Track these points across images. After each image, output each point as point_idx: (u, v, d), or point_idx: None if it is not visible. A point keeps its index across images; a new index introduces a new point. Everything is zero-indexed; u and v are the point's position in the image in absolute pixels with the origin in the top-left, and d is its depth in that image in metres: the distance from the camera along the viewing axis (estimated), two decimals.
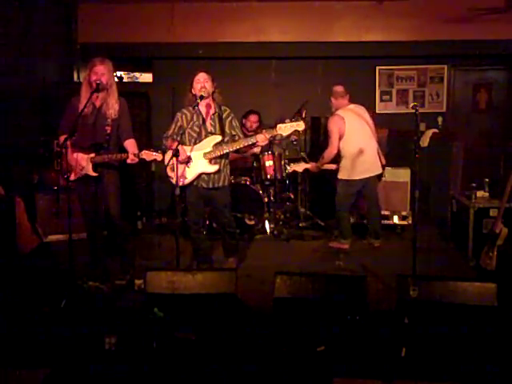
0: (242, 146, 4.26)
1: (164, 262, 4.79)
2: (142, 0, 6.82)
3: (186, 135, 4.32)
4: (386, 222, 5.90)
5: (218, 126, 4.33)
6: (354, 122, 5.17)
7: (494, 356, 2.81)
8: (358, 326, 2.98)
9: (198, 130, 4.32)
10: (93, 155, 4.11)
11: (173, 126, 4.39)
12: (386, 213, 5.93)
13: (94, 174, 4.14)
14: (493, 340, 2.85)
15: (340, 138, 5.15)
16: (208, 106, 4.34)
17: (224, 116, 4.37)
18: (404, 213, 5.97)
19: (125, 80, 7.27)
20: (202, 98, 4.18)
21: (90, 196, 4.22)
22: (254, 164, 6.04)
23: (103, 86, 4.08)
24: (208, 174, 4.33)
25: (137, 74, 7.59)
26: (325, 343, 2.95)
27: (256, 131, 5.76)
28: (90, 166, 4.12)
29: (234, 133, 4.39)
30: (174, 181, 4.00)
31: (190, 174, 4.30)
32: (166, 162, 4.18)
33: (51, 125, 4.55)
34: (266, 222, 5.92)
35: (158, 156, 4.02)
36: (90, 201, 4.23)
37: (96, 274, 4.27)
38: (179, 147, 4.08)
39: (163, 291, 3.16)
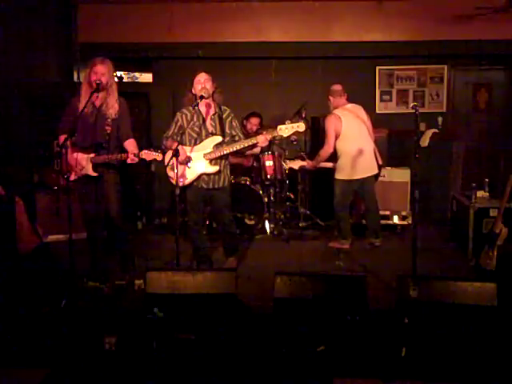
0: (242, 146, 4.26)
1: (164, 262, 4.80)
2: (142, 0, 6.83)
3: (186, 135, 4.32)
4: (385, 221, 5.91)
5: (218, 126, 4.33)
6: (351, 121, 5.17)
7: (494, 356, 2.81)
8: (358, 325, 2.98)
9: (198, 130, 4.32)
10: (93, 155, 4.11)
11: (173, 126, 4.39)
12: (386, 213, 5.93)
13: (94, 174, 4.14)
14: (493, 340, 2.85)
15: (336, 138, 5.16)
16: (208, 106, 4.34)
17: (224, 116, 4.37)
18: (404, 213, 5.97)
19: (125, 80, 7.27)
20: (202, 98, 4.18)
21: (89, 196, 4.22)
22: (254, 164, 6.04)
23: (103, 86, 4.08)
24: (208, 175, 4.33)
25: (137, 74, 7.59)
26: (325, 343, 2.95)
27: (256, 132, 5.77)
28: (90, 166, 4.12)
29: (234, 133, 4.39)
30: (174, 181, 4.00)
31: (191, 174, 4.30)
32: (166, 162, 4.18)
33: (51, 125, 4.54)
34: (266, 221, 5.92)
35: (158, 156, 4.02)
36: (89, 201, 4.23)
37: (96, 274, 4.27)
38: (179, 147, 4.09)
39: (163, 291, 3.16)
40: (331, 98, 5.30)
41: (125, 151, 4.15)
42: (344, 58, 7.05)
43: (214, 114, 4.35)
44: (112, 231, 4.44)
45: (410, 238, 4.02)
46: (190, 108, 4.30)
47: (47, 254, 4.98)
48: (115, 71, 4.30)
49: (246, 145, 4.26)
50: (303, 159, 5.54)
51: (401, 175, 6.00)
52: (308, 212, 6.22)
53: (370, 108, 6.42)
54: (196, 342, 3.02)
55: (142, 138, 5.96)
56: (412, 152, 3.86)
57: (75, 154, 4.14)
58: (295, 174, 6.34)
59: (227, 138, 4.35)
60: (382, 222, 5.70)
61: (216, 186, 4.36)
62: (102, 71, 4.08)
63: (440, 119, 7.11)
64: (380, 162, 5.33)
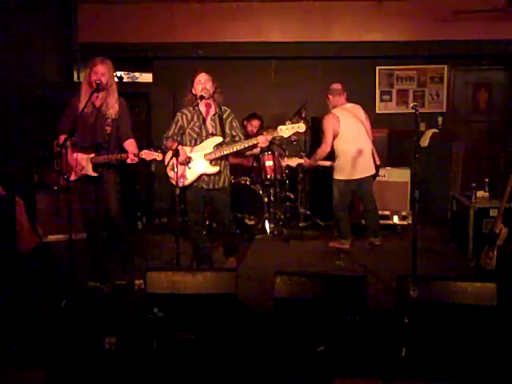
0: (242, 147, 4.26)
1: (164, 262, 4.80)
2: (142, 0, 6.83)
3: (187, 136, 4.32)
4: (386, 221, 5.91)
5: (218, 126, 4.33)
6: (349, 121, 5.17)
7: (494, 356, 2.81)
8: (358, 325, 2.98)
9: (198, 130, 4.32)
10: (93, 155, 4.11)
11: (173, 127, 4.38)
12: (386, 213, 5.94)
13: (94, 174, 4.13)
14: (493, 340, 2.85)
15: (334, 137, 5.17)
16: (208, 106, 4.34)
17: (224, 117, 4.37)
18: (404, 213, 5.97)
19: (125, 80, 7.27)
20: (202, 98, 4.18)
21: (89, 196, 4.21)
22: (254, 164, 6.04)
23: (103, 86, 4.07)
24: (209, 175, 4.33)
25: (137, 74, 7.59)
26: (325, 343, 2.95)
27: (257, 133, 5.77)
28: (90, 166, 4.12)
29: (234, 133, 4.39)
30: (174, 181, 4.00)
31: (191, 174, 4.30)
32: (166, 162, 4.18)
33: (51, 125, 4.54)
34: (266, 221, 5.92)
35: (158, 156, 4.02)
36: (89, 201, 4.22)
37: (96, 274, 4.27)
38: (179, 148, 4.09)
39: (163, 291, 3.16)
40: (330, 96, 5.30)
41: (125, 151, 4.15)
42: (344, 58, 7.05)
43: (214, 115, 4.34)
44: (112, 231, 4.43)
45: (409, 238, 4.02)
46: (191, 108, 4.30)
47: (47, 254, 4.98)
48: (115, 71, 4.29)
49: (247, 145, 4.26)
50: (301, 157, 5.55)
51: (401, 175, 6.00)
52: (308, 212, 6.22)
53: (370, 108, 6.43)
54: (196, 342, 3.02)
55: (141, 138, 5.96)
56: (412, 152, 3.86)
57: (75, 154, 4.13)
58: (295, 174, 6.34)
59: (227, 139, 4.35)
60: (382, 222, 5.70)
61: (216, 187, 4.36)
62: (102, 71, 4.07)
63: (440, 119, 7.11)
64: (378, 162, 5.33)
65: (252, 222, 5.80)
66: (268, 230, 5.91)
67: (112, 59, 4.22)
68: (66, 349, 3.09)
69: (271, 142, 5.35)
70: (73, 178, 4.14)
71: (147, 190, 6.79)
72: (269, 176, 5.86)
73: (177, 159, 3.96)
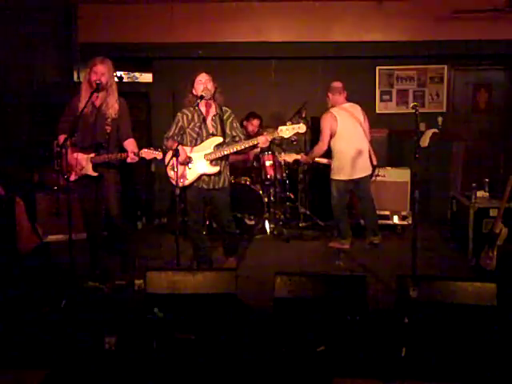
0: (242, 147, 4.26)
1: (164, 262, 4.80)
2: (142, 0, 6.82)
3: (187, 136, 4.33)
4: (386, 221, 5.92)
5: (219, 127, 4.33)
6: (347, 121, 5.18)
7: (494, 356, 2.81)
8: (358, 325, 2.98)
9: (198, 130, 4.32)
10: (93, 155, 4.11)
11: (173, 127, 4.38)
12: (386, 213, 5.94)
13: (94, 174, 4.14)
14: (493, 340, 2.85)
15: (332, 137, 5.18)
16: (208, 106, 4.34)
17: (225, 117, 4.37)
18: (404, 213, 5.97)
19: (125, 80, 7.27)
20: (201, 97, 4.18)
21: (89, 196, 4.22)
22: (254, 164, 6.04)
23: (103, 86, 4.07)
24: (209, 175, 4.33)
25: (137, 74, 7.58)
26: (325, 343, 2.95)
27: (258, 132, 5.78)
28: (90, 165, 4.12)
29: (234, 134, 4.39)
30: (174, 181, 4.00)
31: (191, 175, 4.30)
32: (166, 162, 4.19)
33: (51, 125, 4.55)
34: (266, 221, 5.92)
35: (158, 154, 4.02)
36: (90, 201, 4.23)
37: (96, 274, 4.27)
38: (179, 148, 4.09)
39: (163, 291, 3.16)
40: (330, 94, 5.31)
41: (125, 151, 4.15)
42: (344, 58, 7.05)
43: (215, 115, 4.34)
44: (112, 231, 4.44)
45: (409, 238, 4.02)
46: (191, 108, 4.30)
47: (47, 254, 4.98)
48: (115, 71, 4.30)
49: (247, 145, 4.26)
50: (298, 153, 5.55)
51: (401, 175, 6.00)
52: (308, 212, 6.22)
53: (370, 108, 6.44)
54: (196, 342, 3.02)
55: (142, 138, 5.95)
56: (412, 152, 3.86)
57: (75, 154, 4.14)
58: (295, 174, 6.34)
59: (228, 139, 4.35)
60: (382, 222, 5.71)
61: (216, 187, 4.37)
62: (102, 71, 4.08)
63: (440, 119, 7.11)
64: (374, 163, 5.34)
65: (252, 222, 5.80)
66: (268, 230, 5.91)
67: (112, 59, 4.22)
68: (66, 349, 3.09)
69: (271, 142, 5.36)
70: (73, 177, 4.14)
71: (147, 190, 6.79)
72: (269, 176, 5.86)
73: (177, 159, 3.96)
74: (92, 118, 4.13)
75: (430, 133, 6.67)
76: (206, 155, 4.27)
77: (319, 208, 6.30)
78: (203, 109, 4.33)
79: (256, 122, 6.14)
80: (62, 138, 4.05)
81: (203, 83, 4.22)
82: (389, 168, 6.05)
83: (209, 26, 6.88)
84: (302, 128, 4.20)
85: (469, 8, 6.50)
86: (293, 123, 4.24)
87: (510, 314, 3.09)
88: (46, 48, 6.35)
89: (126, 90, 5.44)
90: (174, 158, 3.95)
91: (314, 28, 6.88)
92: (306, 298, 3.08)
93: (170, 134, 4.38)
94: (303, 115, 5.94)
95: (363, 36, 6.85)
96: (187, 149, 4.28)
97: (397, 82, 7.23)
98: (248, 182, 5.82)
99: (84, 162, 4.13)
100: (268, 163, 5.86)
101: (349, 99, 5.34)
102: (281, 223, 6.03)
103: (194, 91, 4.28)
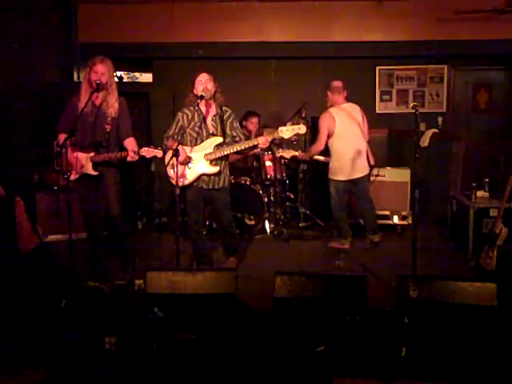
0: (243, 147, 4.26)
1: (164, 262, 4.80)
2: (142, 0, 6.82)
3: (187, 135, 4.33)
4: (386, 221, 5.92)
5: (219, 126, 4.33)
6: (345, 121, 5.18)
7: (494, 356, 2.81)
8: (358, 325, 2.98)
9: (198, 130, 4.32)
10: (92, 154, 4.11)
11: (174, 126, 4.38)
12: (386, 213, 5.94)
13: (94, 173, 4.13)
14: (493, 340, 2.85)
15: (329, 136, 5.19)
16: (208, 106, 4.34)
17: (225, 117, 4.37)
18: (404, 213, 5.98)
19: (125, 80, 7.27)
20: (201, 97, 4.18)
21: (90, 196, 4.22)
22: (254, 164, 6.04)
23: (103, 86, 4.07)
24: (208, 175, 4.33)
25: (137, 74, 7.59)
26: (325, 343, 2.95)
27: (257, 133, 5.77)
28: (90, 164, 4.12)
29: (234, 134, 4.40)
30: (174, 181, 4.00)
31: (191, 174, 4.30)
32: (166, 162, 4.19)
33: (51, 125, 4.55)
34: (266, 222, 5.92)
35: (158, 153, 4.02)
36: (90, 200, 4.23)
37: (96, 274, 4.27)
38: (179, 147, 4.09)
39: (163, 291, 3.16)
40: (330, 94, 5.31)
41: (124, 150, 4.14)
42: (344, 58, 7.05)
43: (215, 115, 4.34)
44: (112, 231, 4.43)
45: (409, 238, 4.02)
46: (191, 108, 4.30)
47: (47, 254, 4.98)
48: (115, 71, 4.30)
49: (247, 146, 4.26)
50: (295, 149, 5.55)
51: (401, 175, 6.00)
52: (308, 212, 6.22)
53: (370, 108, 6.45)
54: (196, 342, 3.02)
55: (142, 137, 5.95)
56: (412, 152, 3.86)
57: (75, 153, 4.13)
58: (295, 174, 6.34)
59: (228, 139, 4.35)
60: (382, 221, 5.71)
61: (216, 187, 4.37)
62: (102, 71, 4.07)
63: (440, 119, 7.11)
64: (372, 163, 5.34)
65: (252, 222, 5.80)
66: (268, 230, 5.90)
67: (112, 59, 4.22)
68: (66, 349, 3.09)
69: (271, 142, 5.35)
70: (73, 177, 4.14)
71: (147, 189, 6.79)
72: (269, 176, 5.86)
73: (177, 159, 3.96)
74: (92, 117, 4.13)
75: (429, 133, 6.66)
76: (205, 155, 4.27)
77: (319, 208, 6.30)
78: (203, 108, 4.33)
79: (255, 119, 6.14)
80: (61, 137, 4.05)
81: (203, 83, 4.23)
82: (389, 168, 6.05)
83: (209, 26, 6.88)
84: (302, 129, 4.20)
85: (469, 8, 6.50)
86: (293, 124, 4.25)
87: (510, 314, 3.09)
88: (45, 48, 6.34)
89: (126, 90, 5.42)
90: (174, 158, 3.96)
91: (314, 28, 6.88)
92: (305, 297, 3.08)
93: (171, 133, 4.38)
94: (303, 115, 5.94)
95: (363, 36, 6.86)
96: (187, 148, 4.29)
97: (397, 81, 7.24)
98: (248, 182, 5.82)
99: (84, 160, 4.13)
100: (268, 163, 5.86)
101: (349, 99, 5.34)
102: (281, 223, 6.03)
103: (194, 91, 4.29)
